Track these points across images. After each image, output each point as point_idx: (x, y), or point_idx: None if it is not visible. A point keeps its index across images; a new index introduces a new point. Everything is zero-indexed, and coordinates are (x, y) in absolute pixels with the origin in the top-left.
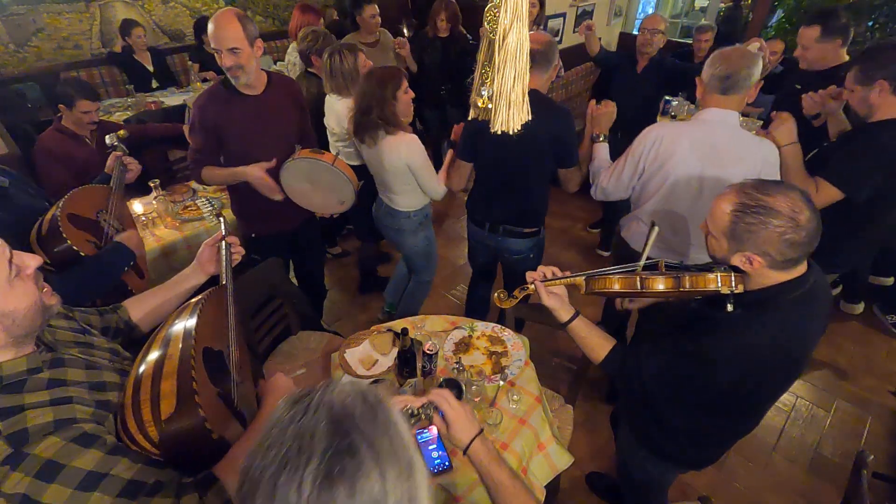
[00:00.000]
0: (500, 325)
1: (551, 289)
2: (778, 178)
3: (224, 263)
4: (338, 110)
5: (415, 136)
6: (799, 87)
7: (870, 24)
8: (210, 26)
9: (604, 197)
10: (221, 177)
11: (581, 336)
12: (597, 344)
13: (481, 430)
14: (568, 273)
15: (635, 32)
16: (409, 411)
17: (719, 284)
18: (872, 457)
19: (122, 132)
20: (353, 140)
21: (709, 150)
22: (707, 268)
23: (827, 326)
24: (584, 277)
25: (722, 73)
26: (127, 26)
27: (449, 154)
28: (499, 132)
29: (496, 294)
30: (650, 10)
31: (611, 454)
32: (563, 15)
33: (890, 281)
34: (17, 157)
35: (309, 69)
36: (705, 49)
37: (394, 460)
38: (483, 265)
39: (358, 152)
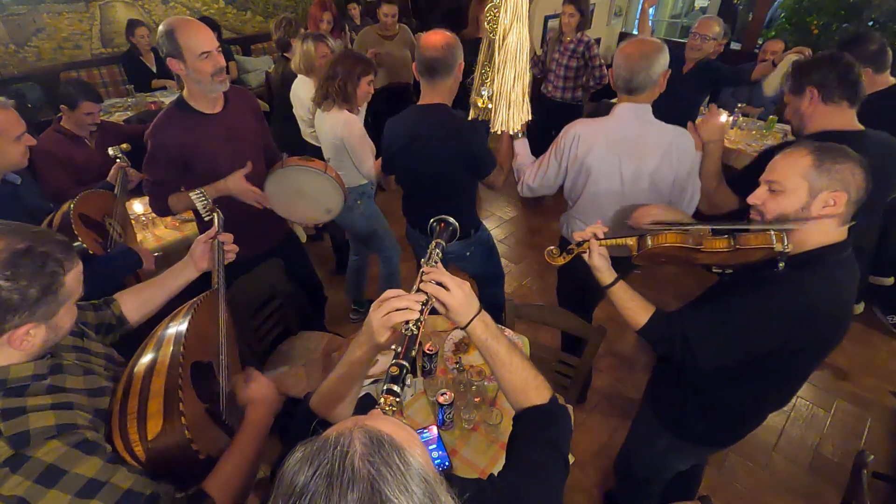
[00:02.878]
0: (500, 326)
1: (600, 250)
2: (691, 166)
3: (217, 262)
4: (301, 96)
5: (355, 117)
6: None
7: (870, 23)
8: (186, 34)
9: (530, 194)
10: (192, 202)
11: (623, 299)
12: (639, 308)
13: (480, 309)
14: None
15: (635, 32)
16: (407, 331)
17: (774, 241)
18: (872, 457)
19: (125, 145)
20: (309, 111)
21: (622, 144)
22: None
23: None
24: (635, 238)
25: (625, 75)
26: (131, 26)
27: None
28: (499, 131)
29: (549, 250)
30: (650, 11)
31: (610, 454)
32: None
33: (890, 281)
34: None
35: (283, 54)
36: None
37: None
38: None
39: None
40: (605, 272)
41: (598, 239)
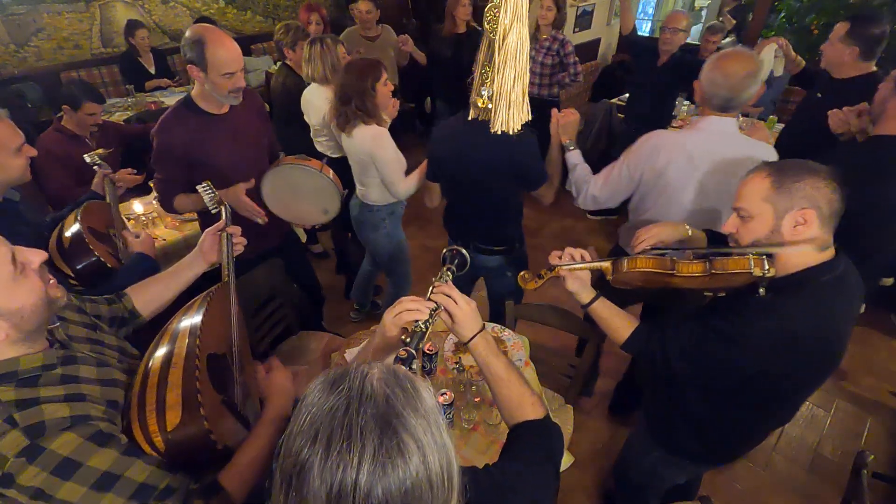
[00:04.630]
0: (500, 325)
1: (576, 273)
2: None
3: (226, 255)
4: (316, 104)
5: (384, 130)
6: (820, 95)
7: None
8: (215, 51)
9: (594, 206)
10: (197, 203)
11: (603, 317)
12: (619, 325)
13: (483, 327)
14: (588, 251)
15: (640, 33)
16: (417, 328)
17: (752, 266)
18: (872, 457)
19: (100, 150)
20: (333, 130)
21: (708, 159)
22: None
23: (858, 316)
24: (610, 262)
25: (725, 94)
26: (131, 27)
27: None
28: (499, 132)
29: (521, 274)
30: (650, 11)
31: (610, 454)
32: None
33: (890, 281)
34: None
35: (284, 61)
36: (713, 50)
37: (429, 436)
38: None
39: (338, 145)
40: (581, 293)
41: (570, 265)
